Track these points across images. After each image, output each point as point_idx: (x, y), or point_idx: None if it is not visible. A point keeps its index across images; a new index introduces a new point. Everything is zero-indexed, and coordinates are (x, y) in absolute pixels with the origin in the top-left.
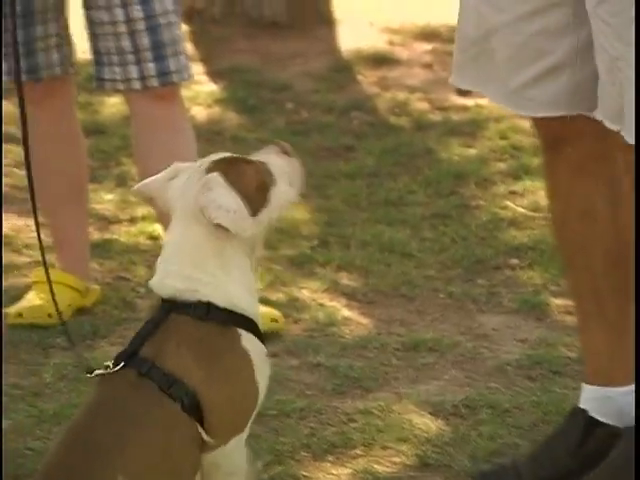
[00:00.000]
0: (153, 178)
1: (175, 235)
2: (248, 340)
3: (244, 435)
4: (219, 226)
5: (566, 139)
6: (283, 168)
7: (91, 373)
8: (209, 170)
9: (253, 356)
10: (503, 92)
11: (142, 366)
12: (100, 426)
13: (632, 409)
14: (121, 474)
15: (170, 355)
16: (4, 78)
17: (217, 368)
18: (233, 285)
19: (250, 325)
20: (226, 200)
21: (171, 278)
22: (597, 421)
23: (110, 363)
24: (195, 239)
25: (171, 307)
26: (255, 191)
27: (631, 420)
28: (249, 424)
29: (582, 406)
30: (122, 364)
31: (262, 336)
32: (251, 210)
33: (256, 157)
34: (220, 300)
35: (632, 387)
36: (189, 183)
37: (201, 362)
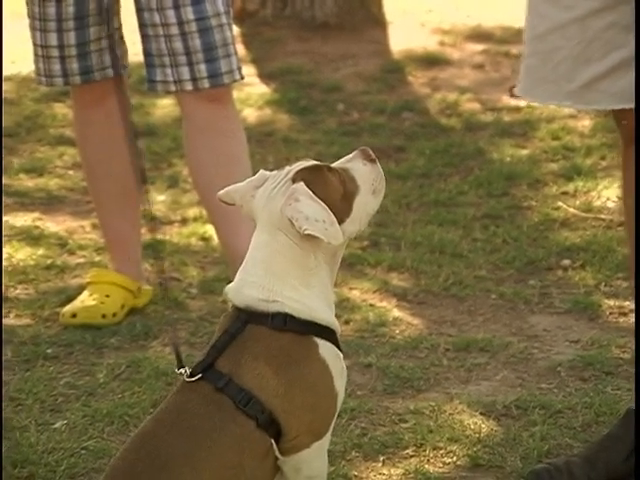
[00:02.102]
0: (240, 185)
1: (258, 245)
2: (326, 349)
3: (325, 440)
4: (306, 237)
5: None
6: (367, 175)
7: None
8: (294, 180)
9: (331, 364)
10: (565, 90)
11: (219, 381)
12: (172, 440)
13: None
14: None
15: (247, 369)
16: (58, 80)
17: (296, 378)
18: (313, 296)
19: (328, 334)
20: (313, 210)
21: (250, 288)
22: None
23: (188, 369)
24: (279, 249)
25: (248, 317)
26: (340, 200)
27: None
28: (330, 430)
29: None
30: (199, 376)
31: (339, 344)
32: (337, 218)
33: (340, 164)
34: (299, 311)
35: None
36: (274, 193)
37: (279, 375)
